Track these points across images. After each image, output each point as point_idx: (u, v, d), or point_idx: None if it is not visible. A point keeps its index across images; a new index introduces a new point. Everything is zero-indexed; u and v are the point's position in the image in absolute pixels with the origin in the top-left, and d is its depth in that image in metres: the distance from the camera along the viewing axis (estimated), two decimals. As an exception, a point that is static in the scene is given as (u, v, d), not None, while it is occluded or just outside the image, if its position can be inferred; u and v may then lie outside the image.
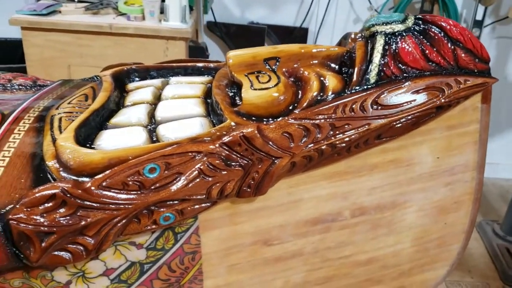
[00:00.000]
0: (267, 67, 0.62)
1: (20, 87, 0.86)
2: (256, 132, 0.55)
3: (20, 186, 0.55)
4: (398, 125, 0.61)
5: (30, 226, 0.50)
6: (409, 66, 0.60)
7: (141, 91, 0.71)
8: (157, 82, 0.74)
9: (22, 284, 0.57)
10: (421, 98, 0.60)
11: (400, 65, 0.60)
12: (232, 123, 0.57)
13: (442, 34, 0.60)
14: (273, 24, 2.47)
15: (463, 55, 0.61)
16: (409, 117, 0.60)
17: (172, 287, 0.64)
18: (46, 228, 0.51)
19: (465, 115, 0.66)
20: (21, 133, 0.62)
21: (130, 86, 0.75)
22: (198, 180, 0.55)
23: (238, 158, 0.56)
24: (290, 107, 0.60)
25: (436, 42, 0.60)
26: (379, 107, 0.59)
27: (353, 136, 0.59)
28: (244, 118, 0.58)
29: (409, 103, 0.60)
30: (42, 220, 0.50)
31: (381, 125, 0.59)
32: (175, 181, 0.54)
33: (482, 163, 0.70)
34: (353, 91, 0.59)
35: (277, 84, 0.59)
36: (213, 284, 0.67)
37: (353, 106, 0.58)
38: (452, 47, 0.60)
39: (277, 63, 0.62)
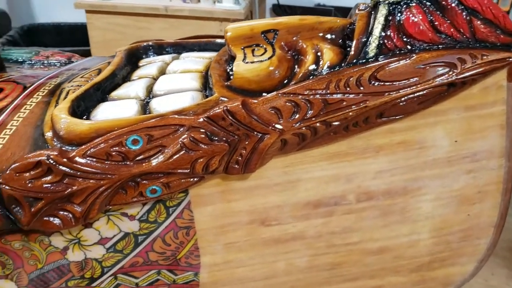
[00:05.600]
0: (265, 40, 0.59)
1: (56, 63, 0.90)
2: (240, 106, 0.53)
3: (18, 153, 0.57)
4: (402, 104, 0.56)
5: (18, 191, 0.53)
6: (415, 38, 0.54)
7: (148, 66, 0.72)
8: (168, 57, 0.75)
9: (22, 246, 0.61)
10: (428, 73, 0.54)
11: (404, 37, 0.55)
12: (221, 97, 0.56)
13: (456, 3, 0.54)
14: (340, 5, 2.39)
15: (481, 26, 0.54)
16: (414, 94, 0.55)
17: (168, 260, 0.65)
18: (33, 193, 0.53)
19: (487, 95, 0.59)
20: (33, 105, 0.66)
21: (143, 61, 0.77)
22: (181, 153, 0.54)
23: (223, 133, 0.54)
24: (285, 82, 0.57)
25: (448, 11, 0.54)
26: (379, 83, 0.54)
27: (349, 114, 0.55)
28: (235, 93, 0.57)
29: (413, 79, 0.54)
30: (30, 185, 0.52)
31: (381, 102, 0.55)
32: (158, 154, 0.54)
33: (512, 150, 0.63)
34: (350, 65, 0.55)
35: (270, 57, 0.57)
36: (211, 261, 0.66)
37: (349, 81, 0.54)
38: (468, 17, 0.54)
39: (276, 36, 0.59)
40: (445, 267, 0.73)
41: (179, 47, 0.80)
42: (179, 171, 0.55)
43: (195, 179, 0.57)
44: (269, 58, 0.57)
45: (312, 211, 0.64)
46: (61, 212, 0.55)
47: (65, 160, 0.52)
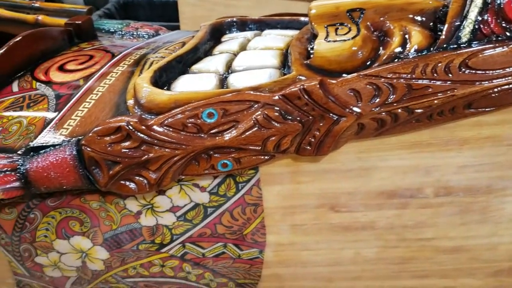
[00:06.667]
0: (350, 19, 0.57)
1: (144, 35, 0.94)
2: (317, 85, 0.52)
3: (101, 118, 0.60)
4: (495, 95, 0.51)
5: (98, 153, 0.55)
6: (516, 24, 0.50)
7: (230, 42, 0.72)
8: (250, 34, 0.74)
9: (100, 207, 0.64)
10: (528, 64, 0.49)
11: (503, 23, 0.50)
12: (299, 76, 0.55)
13: None
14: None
15: None
16: (510, 86, 0.50)
17: (235, 235, 0.66)
18: (111, 157, 0.55)
19: None
20: (118, 73, 0.68)
21: (225, 37, 0.77)
22: (253, 130, 0.54)
23: (298, 113, 0.53)
24: (368, 64, 0.54)
25: (560, -5, 0.49)
26: (470, 71, 0.50)
27: (435, 102, 0.52)
28: (314, 72, 0.55)
29: (509, 69, 0.50)
30: (109, 149, 0.55)
31: (470, 92, 0.51)
32: (231, 129, 0.54)
33: None
34: (440, 50, 0.52)
35: (354, 37, 0.54)
36: (277, 240, 0.66)
37: (437, 66, 0.51)
38: None
39: (362, 15, 0.56)
40: (528, 276, 0.67)
41: (262, 24, 0.79)
42: (250, 147, 0.55)
43: (266, 157, 0.57)
44: (352, 38, 0.54)
45: (386, 201, 0.62)
46: (137, 177, 0.58)
47: (143, 127, 0.54)
